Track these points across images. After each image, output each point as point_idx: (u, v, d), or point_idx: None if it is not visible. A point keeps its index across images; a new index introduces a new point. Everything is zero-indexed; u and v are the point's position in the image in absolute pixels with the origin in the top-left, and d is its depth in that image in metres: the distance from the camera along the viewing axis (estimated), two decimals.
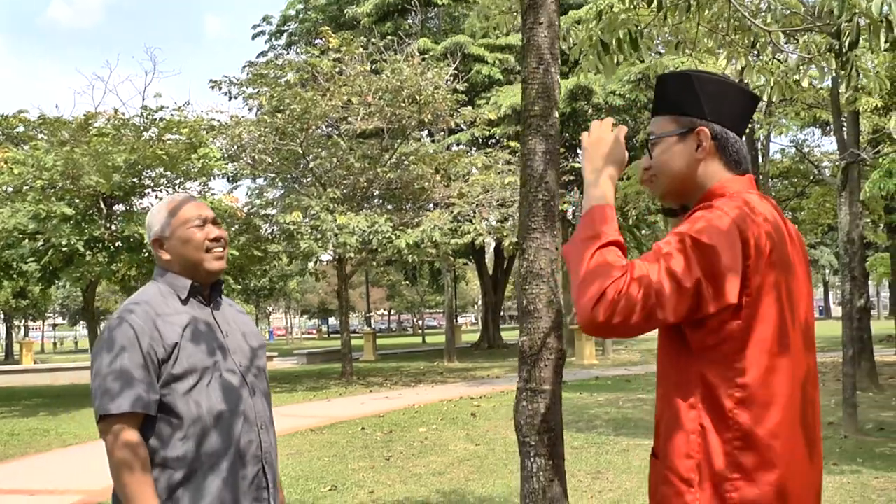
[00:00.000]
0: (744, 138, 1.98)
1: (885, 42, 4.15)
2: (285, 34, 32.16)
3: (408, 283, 46.42)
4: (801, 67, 4.70)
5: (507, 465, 8.09)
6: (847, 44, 4.10)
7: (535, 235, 2.53)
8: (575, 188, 25.44)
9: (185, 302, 2.35)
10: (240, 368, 2.37)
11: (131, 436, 2.16)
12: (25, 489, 8.13)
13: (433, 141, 22.30)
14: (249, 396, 2.36)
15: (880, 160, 11.59)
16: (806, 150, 21.02)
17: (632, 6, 4.57)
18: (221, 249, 2.42)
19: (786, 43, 4.93)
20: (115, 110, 16.69)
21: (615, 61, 4.58)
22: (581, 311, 1.67)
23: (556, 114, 2.60)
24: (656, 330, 1.81)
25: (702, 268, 1.66)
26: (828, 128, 23.26)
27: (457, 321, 32.30)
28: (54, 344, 74.56)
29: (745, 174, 1.91)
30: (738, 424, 1.71)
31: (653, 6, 4.32)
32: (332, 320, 77.75)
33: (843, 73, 4.39)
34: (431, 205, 20.08)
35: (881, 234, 22.87)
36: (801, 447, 1.77)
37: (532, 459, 2.50)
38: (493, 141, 26.20)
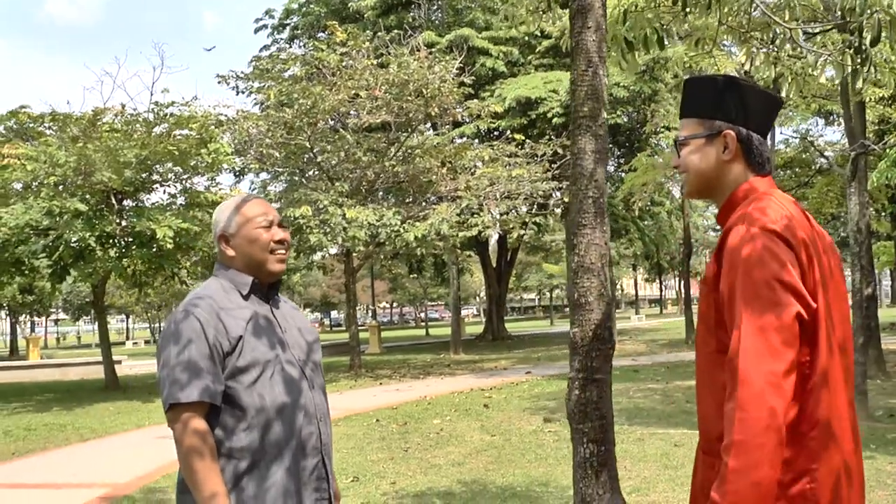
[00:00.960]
0: (767, 139, 2.09)
1: None
2: (288, 28, 32.16)
3: (413, 275, 46.52)
4: (819, 64, 4.80)
5: (524, 456, 8.21)
6: (868, 40, 4.22)
7: (585, 231, 2.64)
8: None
9: (246, 298, 2.44)
10: (299, 362, 2.46)
11: (200, 424, 2.24)
12: (49, 483, 8.25)
13: (437, 134, 22.35)
14: (309, 389, 2.44)
15: (887, 150, 11.68)
16: (810, 139, 21.14)
17: (654, 4, 4.67)
18: (284, 252, 2.50)
19: (805, 40, 5.04)
20: (123, 106, 16.75)
21: (637, 58, 4.70)
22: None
23: (605, 114, 2.70)
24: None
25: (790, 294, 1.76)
26: (831, 118, 23.39)
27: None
28: (57, 339, 74.78)
29: (768, 175, 2.02)
30: (809, 414, 1.80)
31: (677, 4, 4.43)
32: (335, 313, 77.92)
33: (862, 68, 4.50)
34: (437, 198, 20.17)
35: (884, 222, 23.02)
36: (852, 436, 1.88)
37: (585, 446, 2.60)
38: (497, 133, 26.29)
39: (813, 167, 21.48)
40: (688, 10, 4.53)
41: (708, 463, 1.91)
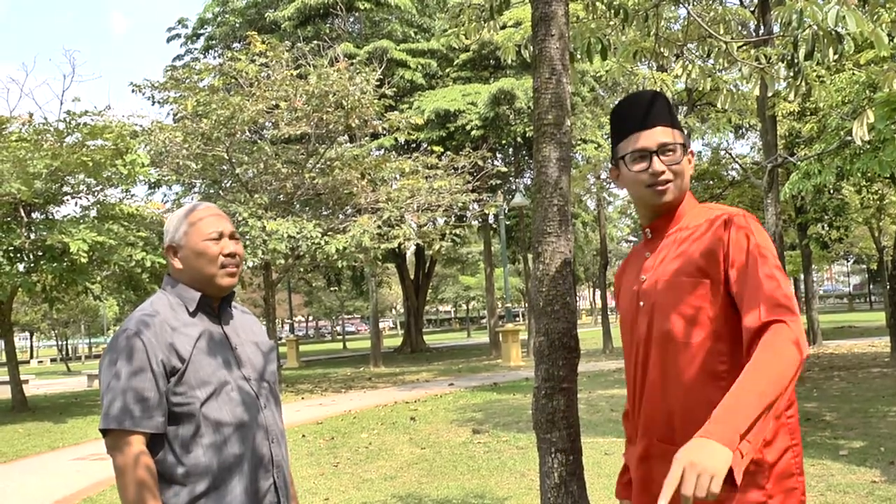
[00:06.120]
0: None
1: (835, 54, 4.40)
2: (202, 38, 31.58)
3: (332, 289, 46.10)
4: (753, 77, 4.92)
5: (456, 468, 8.17)
6: (802, 54, 4.34)
7: (550, 239, 2.62)
8: (499, 193, 25.72)
9: (193, 314, 2.33)
10: (251, 381, 2.35)
11: (147, 460, 2.14)
12: None
13: (358, 146, 22.22)
14: (262, 409, 2.35)
15: (800, 163, 12.10)
16: (727, 151, 21.84)
17: (595, 15, 4.72)
18: (235, 267, 2.38)
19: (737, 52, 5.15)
20: (31, 114, 16.16)
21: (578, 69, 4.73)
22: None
23: (569, 122, 2.69)
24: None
25: None
26: (740, 131, 24.14)
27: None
28: None
29: None
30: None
31: (618, 15, 4.48)
32: None
33: (795, 81, 4.63)
34: (357, 210, 20.02)
35: (791, 232, 23.90)
36: None
37: (553, 456, 2.57)
38: (415, 145, 26.29)
39: (725, 179, 22.16)
40: (627, 20, 4.59)
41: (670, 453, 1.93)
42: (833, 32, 4.22)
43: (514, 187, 28.95)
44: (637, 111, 2.14)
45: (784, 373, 1.72)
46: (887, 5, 4.43)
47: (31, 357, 57.25)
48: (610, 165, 2.27)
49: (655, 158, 2.09)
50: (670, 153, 2.10)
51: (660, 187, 2.10)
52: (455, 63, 27.22)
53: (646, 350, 2.08)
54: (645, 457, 2.08)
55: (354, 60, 19.43)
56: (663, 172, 2.09)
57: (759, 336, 1.81)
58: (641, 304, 2.11)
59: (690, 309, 1.99)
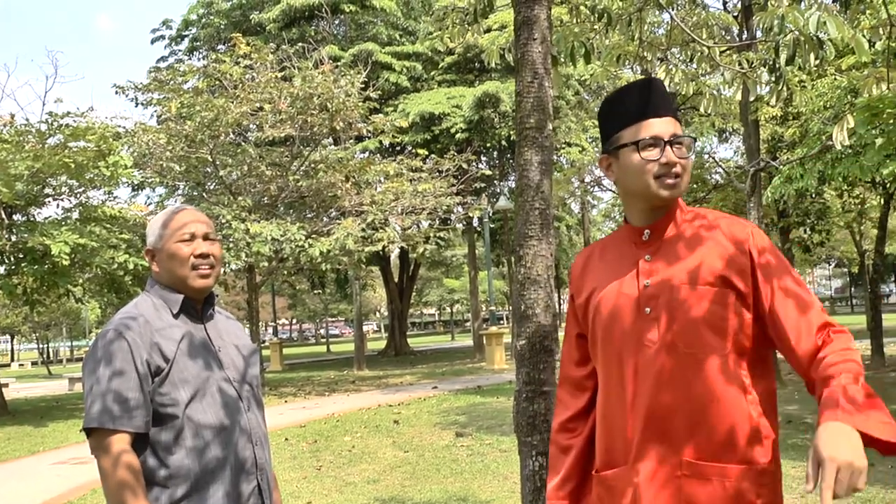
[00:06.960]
0: None
1: (816, 59, 4.43)
2: (187, 39, 31.46)
3: (316, 292, 45.97)
4: (735, 82, 4.95)
5: (439, 471, 8.16)
6: (783, 59, 4.36)
7: (531, 243, 2.62)
8: (483, 196, 25.73)
9: (176, 316, 2.33)
10: (234, 383, 2.36)
11: (131, 458, 2.13)
12: None
13: (342, 149, 22.18)
14: (244, 411, 2.35)
15: (781, 168, 12.18)
16: (710, 156, 21.96)
17: (579, 19, 4.73)
18: (208, 268, 2.37)
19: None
20: (12, 115, 16.04)
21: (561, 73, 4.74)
22: None
23: (551, 126, 2.70)
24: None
25: None
26: (724, 135, 24.28)
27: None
28: None
29: None
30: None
31: (602, 19, 4.49)
32: None
33: (776, 87, 4.66)
34: (341, 212, 20.00)
35: (773, 236, 24.03)
36: None
37: (534, 459, 2.57)
38: (399, 148, 26.29)
39: (708, 183, 22.27)
40: (611, 24, 4.60)
41: (718, 471, 1.88)
42: (814, 38, 4.25)
43: (498, 190, 28.98)
44: (649, 97, 2.02)
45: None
46: (867, 11, 4.48)
47: (12, 360, 56.75)
48: (602, 154, 2.11)
49: (668, 148, 1.97)
50: (680, 146, 2.00)
51: (669, 179, 1.97)
52: (440, 66, 27.24)
53: (659, 361, 1.93)
54: (694, 475, 1.89)
55: (339, 63, 19.43)
56: (676, 164, 1.97)
57: (817, 352, 1.86)
58: (648, 310, 1.96)
59: (716, 319, 1.91)
